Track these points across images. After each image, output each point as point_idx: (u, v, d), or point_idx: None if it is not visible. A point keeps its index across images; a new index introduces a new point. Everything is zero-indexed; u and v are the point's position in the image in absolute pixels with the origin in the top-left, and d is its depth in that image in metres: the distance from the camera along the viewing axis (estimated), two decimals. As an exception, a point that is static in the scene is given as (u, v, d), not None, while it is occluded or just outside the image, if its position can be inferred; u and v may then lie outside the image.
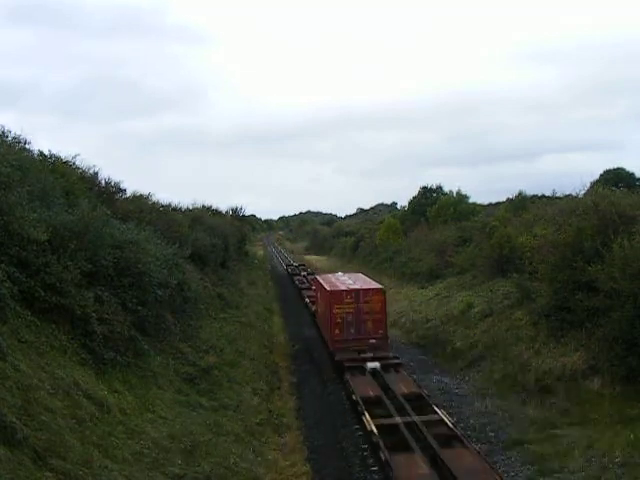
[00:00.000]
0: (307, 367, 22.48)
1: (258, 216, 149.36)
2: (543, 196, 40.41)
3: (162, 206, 29.36)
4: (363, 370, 18.35)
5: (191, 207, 38.31)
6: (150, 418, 11.87)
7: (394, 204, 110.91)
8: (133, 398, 12.23)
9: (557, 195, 35.54)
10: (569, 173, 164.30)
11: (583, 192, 25.75)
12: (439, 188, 59.87)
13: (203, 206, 43.58)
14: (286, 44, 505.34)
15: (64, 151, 20.88)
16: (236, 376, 18.06)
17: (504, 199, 49.46)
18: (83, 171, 21.52)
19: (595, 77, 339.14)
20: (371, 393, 16.04)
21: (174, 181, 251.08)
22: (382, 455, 12.03)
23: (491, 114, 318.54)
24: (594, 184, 30.69)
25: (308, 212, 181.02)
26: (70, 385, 10.24)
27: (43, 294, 11.91)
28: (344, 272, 28.69)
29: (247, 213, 71.25)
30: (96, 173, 22.53)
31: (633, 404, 13.87)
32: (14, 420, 7.77)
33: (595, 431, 13.56)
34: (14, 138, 17.35)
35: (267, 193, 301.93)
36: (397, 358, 19.71)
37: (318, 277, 27.96)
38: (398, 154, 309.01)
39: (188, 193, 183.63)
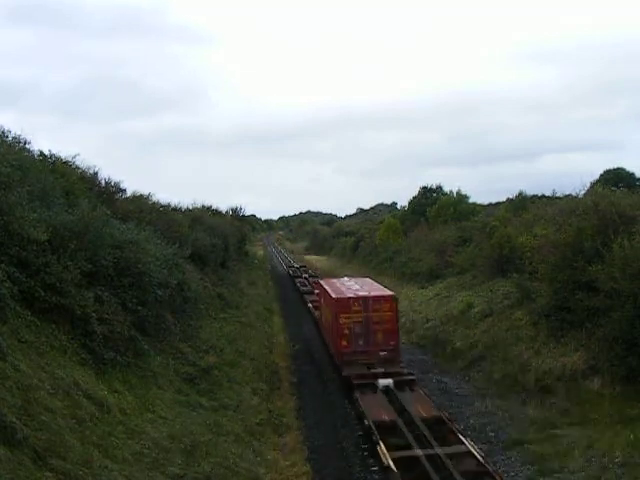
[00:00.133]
0: (307, 367, 22.46)
1: (258, 216, 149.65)
2: (543, 196, 40.40)
3: (162, 206, 29.34)
4: (374, 387, 16.75)
5: (191, 207, 38.43)
6: (150, 418, 11.86)
7: (394, 204, 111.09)
8: (133, 398, 12.22)
9: (557, 195, 35.54)
10: (569, 173, 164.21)
11: (583, 192, 25.78)
12: (439, 188, 60.00)
13: (203, 206, 43.70)
14: (286, 44, 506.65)
15: (64, 151, 20.91)
16: (236, 376, 18.05)
17: (504, 199, 49.64)
18: (83, 171, 21.51)
19: (595, 77, 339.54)
20: (385, 417, 14.41)
21: (174, 181, 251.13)
22: None
23: (491, 114, 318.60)
24: (594, 184, 30.65)
25: (308, 212, 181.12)
26: (70, 385, 10.22)
27: (43, 294, 11.90)
28: (350, 276, 26.98)
29: (247, 213, 71.54)
30: (96, 173, 22.57)
31: (633, 404, 13.89)
32: (14, 420, 7.76)
33: (595, 431, 13.57)
34: (14, 138, 17.36)
35: (267, 193, 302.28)
36: (412, 374, 18.05)
37: (322, 281, 26.01)
38: (398, 154, 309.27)
39: (188, 193, 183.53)
